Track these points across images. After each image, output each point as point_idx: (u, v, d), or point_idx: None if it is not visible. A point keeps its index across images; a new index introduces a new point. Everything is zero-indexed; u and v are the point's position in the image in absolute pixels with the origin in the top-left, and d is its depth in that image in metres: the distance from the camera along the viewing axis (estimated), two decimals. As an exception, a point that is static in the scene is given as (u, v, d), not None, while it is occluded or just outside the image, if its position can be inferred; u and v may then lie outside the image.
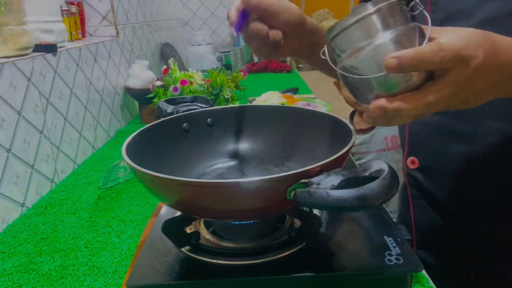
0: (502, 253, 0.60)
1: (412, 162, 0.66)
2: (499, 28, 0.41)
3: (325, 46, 0.43)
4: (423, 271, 0.53)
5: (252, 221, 0.49)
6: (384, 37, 0.37)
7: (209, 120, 0.64)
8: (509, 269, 0.60)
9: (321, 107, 1.30)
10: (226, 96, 1.26)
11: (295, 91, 1.63)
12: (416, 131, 0.65)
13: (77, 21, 1.26)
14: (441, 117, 0.61)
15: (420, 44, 0.37)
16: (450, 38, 0.36)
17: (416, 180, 0.67)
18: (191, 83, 1.23)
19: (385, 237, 0.47)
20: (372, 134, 1.24)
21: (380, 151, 1.24)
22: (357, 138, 0.49)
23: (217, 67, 1.57)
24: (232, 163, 0.64)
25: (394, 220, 0.51)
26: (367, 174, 0.38)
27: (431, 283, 0.52)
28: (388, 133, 1.22)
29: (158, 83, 1.29)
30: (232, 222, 0.51)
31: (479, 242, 0.61)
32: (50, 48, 0.93)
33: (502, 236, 0.59)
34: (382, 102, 0.37)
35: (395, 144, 1.23)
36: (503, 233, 0.59)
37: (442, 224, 0.64)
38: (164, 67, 1.35)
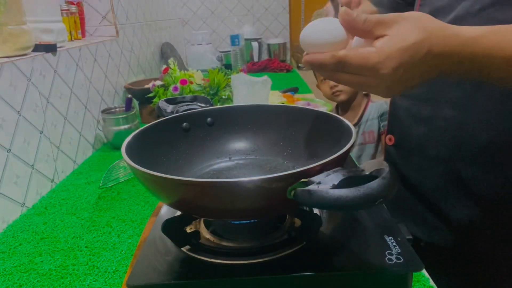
0: (444, 221, 0.69)
1: (389, 139, 0.76)
2: (468, 25, 0.44)
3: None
4: (424, 271, 0.53)
5: (252, 221, 0.49)
6: None
7: (209, 119, 0.64)
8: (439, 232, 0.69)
9: (321, 107, 1.31)
10: (224, 97, 1.25)
11: (295, 90, 1.63)
12: (394, 113, 0.75)
13: (77, 21, 1.26)
14: (409, 101, 0.70)
15: None
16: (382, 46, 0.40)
17: (390, 155, 0.77)
18: (191, 82, 1.23)
19: (386, 236, 0.47)
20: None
21: (359, 144, 1.45)
22: None
23: (216, 67, 1.57)
24: (232, 162, 0.64)
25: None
26: (367, 173, 0.38)
27: (431, 282, 0.52)
28: (366, 129, 1.44)
29: (158, 82, 1.29)
30: (232, 222, 0.51)
31: (432, 212, 0.70)
32: (50, 48, 0.93)
33: (451, 209, 0.67)
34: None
35: (371, 139, 1.44)
36: (451, 206, 0.67)
37: (406, 194, 0.74)
38: (164, 66, 1.35)
